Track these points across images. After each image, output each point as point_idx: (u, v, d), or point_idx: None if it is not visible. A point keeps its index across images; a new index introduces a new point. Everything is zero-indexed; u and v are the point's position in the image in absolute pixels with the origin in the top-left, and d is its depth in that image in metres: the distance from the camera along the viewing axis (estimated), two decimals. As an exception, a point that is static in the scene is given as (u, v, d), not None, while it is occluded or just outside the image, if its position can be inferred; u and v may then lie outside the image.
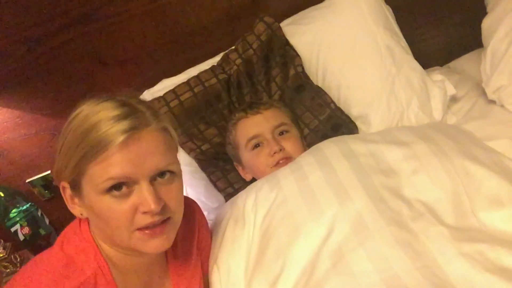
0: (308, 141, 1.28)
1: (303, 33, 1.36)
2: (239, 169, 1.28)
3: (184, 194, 1.41)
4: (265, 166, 1.17)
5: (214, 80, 1.32)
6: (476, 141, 1.10)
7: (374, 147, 1.04)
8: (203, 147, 1.30)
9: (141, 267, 0.87)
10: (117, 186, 0.74)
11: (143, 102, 0.81)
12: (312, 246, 0.88)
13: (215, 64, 1.38)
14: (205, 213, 1.36)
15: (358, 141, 1.07)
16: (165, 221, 0.78)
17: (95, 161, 0.73)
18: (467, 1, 1.52)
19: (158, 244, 0.78)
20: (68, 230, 0.85)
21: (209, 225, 1.11)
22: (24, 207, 1.51)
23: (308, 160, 1.04)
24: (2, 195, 1.47)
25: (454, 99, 1.37)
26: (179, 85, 1.32)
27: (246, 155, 1.21)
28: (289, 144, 1.19)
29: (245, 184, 1.28)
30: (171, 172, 0.79)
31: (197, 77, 1.33)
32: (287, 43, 1.34)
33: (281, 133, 1.20)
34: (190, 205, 1.01)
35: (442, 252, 0.82)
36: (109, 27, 1.42)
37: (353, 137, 1.13)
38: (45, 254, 0.82)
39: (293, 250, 0.90)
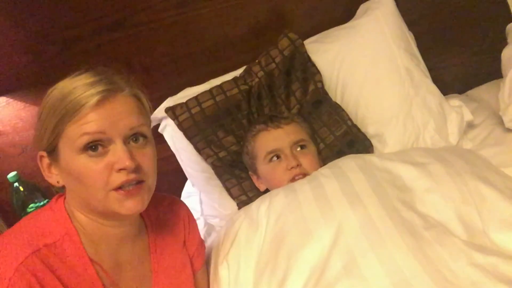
0: (323, 156, 1.30)
1: (325, 51, 1.40)
2: (254, 178, 1.30)
3: (199, 200, 1.46)
4: (281, 179, 1.20)
5: (235, 90, 1.36)
6: (491, 166, 1.11)
7: (390, 164, 1.06)
8: (220, 154, 1.33)
9: (114, 239, 0.89)
10: (92, 146, 0.79)
11: (117, 72, 0.87)
12: (323, 248, 0.90)
13: (238, 75, 1.41)
14: (217, 219, 1.39)
15: (375, 158, 1.10)
16: (139, 183, 0.82)
17: (71, 121, 0.78)
18: (488, 31, 1.54)
19: (132, 205, 0.82)
20: (44, 207, 0.89)
21: (223, 226, 1.13)
22: (41, 203, 1.54)
23: (324, 173, 1.07)
24: (22, 189, 1.50)
25: (471, 126, 1.38)
26: (201, 93, 1.36)
27: (263, 167, 1.24)
28: (306, 160, 1.21)
29: (258, 193, 1.30)
30: (144, 136, 0.84)
31: (219, 86, 1.37)
32: (309, 59, 1.37)
33: (300, 148, 1.23)
34: (175, 203, 1.06)
35: (454, 259, 0.83)
36: (138, 34, 1.48)
37: (369, 155, 1.16)
38: (15, 225, 0.85)
39: (304, 252, 0.91)
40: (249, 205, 1.14)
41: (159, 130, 1.51)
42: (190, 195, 1.53)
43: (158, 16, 1.46)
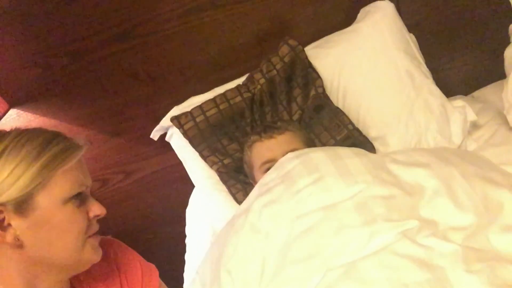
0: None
1: (326, 56, 1.41)
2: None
3: (205, 206, 1.47)
4: None
5: (239, 98, 1.38)
6: (494, 166, 1.10)
7: (394, 166, 1.04)
8: (225, 161, 1.35)
9: None
10: (76, 196, 0.81)
11: None
12: (329, 258, 0.89)
13: (241, 83, 1.44)
14: (223, 223, 1.40)
15: (376, 155, 1.09)
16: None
17: (62, 169, 0.78)
18: (491, 32, 1.54)
19: (101, 251, 0.88)
20: None
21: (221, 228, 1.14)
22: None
23: (318, 155, 1.06)
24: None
25: (475, 126, 1.38)
26: (206, 102, 1.39)
27: (260, 177, 1.25)
28: None
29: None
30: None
31: (223, 94, 1.40)
32: (309, 65, 1.39)
33: None
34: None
35: (453, 268, 0.82)
36: (144, 45, 1.51)
37: (377, 157, 1.12)
38: None
39: (312, 264, 0.90)
40: (249, 202, 1.09)
41: (166, 138, 1.54)
42: (197, 202, 1.55)
43: (162, 27, 1.49)
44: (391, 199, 0.95)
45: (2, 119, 1.50)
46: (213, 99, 1.39)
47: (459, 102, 1.38)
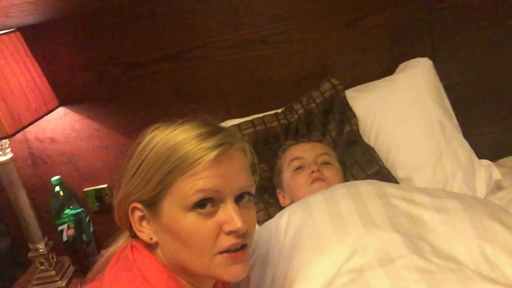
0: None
1: (363, 99, 1.50)
2: (280, 197, 1.35)
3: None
4: (302, 185, 1.24)
5: (275, 123, 1.46)
6: (509, 212, 1.12)
7: (407, 194, 1.08)
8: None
9: None
10: (202, 204, 0.73)
11: (219, 124, 0.82)
12: (334, 264, 0.91)
13: (279, 111, 1.52)
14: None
15: (392, 187, 1.12)
16: (243, 247, 0.76)
17: (184, 175, 0.72)
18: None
19: (239, 270, 0.75)
20: (125, 255, 0.79)
21: None
22: (76, 211, 1.62)
23: (341, 192, 1.10)
24: (62, 194, 1.59)
25: (499, 187, 1.41)
26: (244, 122, 1.47)
27: (287, 175, 1.30)
28: (329, 172, 1.26)
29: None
30: (250, 194, 0.79)
31: (261, 118, 1.48)
32: (347, 104, 1.47)
33: (324, 163, 1.28)
34: None
35: (464, 284, 0.83)
36: (193, 68, 1.62)
37: (389, 184, 1.18)
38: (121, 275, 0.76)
39: (314, 266, 0.93)
40: (268, 222, 1.16)
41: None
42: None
43: (213, 53, 1.61)
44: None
45: (49, 115, 1.60)
46: (251, 120, 1.47)
47: (485, 161, 1.43)
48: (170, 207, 0.74)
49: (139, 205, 0.77)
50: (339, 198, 1.07)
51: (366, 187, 1.11)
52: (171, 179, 0.73)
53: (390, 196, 1.07)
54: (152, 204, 0.75)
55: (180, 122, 0.78)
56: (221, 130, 0.77)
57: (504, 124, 1.67)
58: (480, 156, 1.62)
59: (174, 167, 0.72)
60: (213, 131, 0.76)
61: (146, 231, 0.78)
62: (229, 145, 0.75)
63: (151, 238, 0.78)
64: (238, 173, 0.76)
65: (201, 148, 0.72)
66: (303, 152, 1.30)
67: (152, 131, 0.79)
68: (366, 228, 0.96)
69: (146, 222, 0.78)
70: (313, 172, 1.24)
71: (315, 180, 1.23)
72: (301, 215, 1.06)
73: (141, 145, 0.77)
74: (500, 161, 1.65)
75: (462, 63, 1.62)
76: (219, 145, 0.73)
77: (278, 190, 1.38)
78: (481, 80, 1.63)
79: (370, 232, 0.95)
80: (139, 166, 0.76)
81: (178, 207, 0.73)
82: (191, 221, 0.73)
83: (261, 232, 1.16)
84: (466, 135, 1.59)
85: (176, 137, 0.74)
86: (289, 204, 1.29)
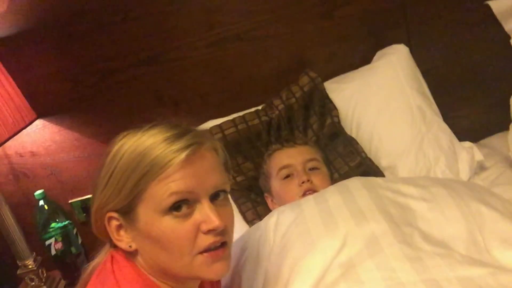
0: (337, 184, 1.35)
1: (342, 90, 1.50)
2: (268, 201, 1.35)
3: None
4: (293, 195, 1.24)
5: (257, 121, 1.45)
6: (493, 193, 1.14)
7: (393, 185, 1.10)
8: (238, 179, 1.40)
9: None
10: (177, 207, 0.73)
11: (187, 125, 0.81)
12: (325, 258, 0.92)
13: (260, 108, 1.51)
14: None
15: (379, 179, 1.14)
16: (223, 245, 0.76)
17: (156, 180, 0.72)
18: (500, 84, 1.61)
19: (220, 267, 0.76)
20: (106, 267, 0.80)
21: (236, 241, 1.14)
22: (63, 224, 1.60)
23: (330, 189, 1.12)
24: (46, 208, 1.57)
25: (482, 168, 1.42)
26: (225, 121, 1.47)
27: (276, 184, 1.29)
28: (318, 180, 1.26)
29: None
30: (225, 192, 0.79)
31: (242, 116, 1.47)
32: (327, 96, 1.47)
33: (312, 169, 1.28)
34: None
35: (453, 269, 0.84)
36: (170, 70, 1.61)
37: (375, 178, 1.19)
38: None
39: (307, 261, 0.93)
40: (258, 223, 1.16)
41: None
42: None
43: (189, 54, 1.59)
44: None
45: (28, 128, 1.57)
46: (232, 120, 1.46)
47: (466, 143, 1.44)
48: (145, 213, 0.74)
49: (114, 214, 0.76)
50: (328, 194, 1.09)
51: (353, 182, 1.12)
52: (144, 184, 0.72)
53: (377, 188, 1.08)
54: (128, 212, 0.75)
55: (147, 127, 0.77)
56: (190, 131, 0.77)
57: (483, 105, 1.67)
58: (461, 138, 1.63)
59: (145, 172, 0.72)
60: (181, 132, 0.75)
61: (124, 239, 0.77)
62: (198, 145, 0.74)
63: (130, 246, 0.77)
64: (211, 172, 0.76)
65: (171, 150, 0.72)
66: (291, 159, 1.29)
67: (121, 139, 0.78)
68: (355, 219, 0.97)
69: (124, 231, 0.77)
70: (303, 182, 1.24)
71: (306, 191, 1.23)
72: (290, 214, 1.07)
73: (111, 154, 0.77)
74: (482, 142, 1.66)
75: (438, 47, 1.62)
76: (188, 146, 0.73)
77: (266, 194, 1.37)
78: (458, 63, 1.63)
79: (359, 224, 0.95)
80: (110, 176, 0.75)
81: (153, 212, 0.73)
82: (168, 224, 0.73)
83: (250, 233, 1.15)
84: (447, 118, 1.60)
85: (144, 142, 0.73)
86: None
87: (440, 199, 1.03)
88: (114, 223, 0.77)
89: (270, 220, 1.09)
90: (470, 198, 1.03)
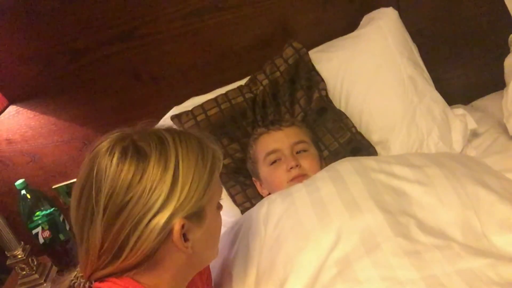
0: (328, 162, 1.30)
1: (329, 60, 1.42)
2: (257, 184, 1.31)
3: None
4: (281, 181, 1.20)
5: (240, 99, 1.38)
6: (490, 170, 1.11)
7: (387, 166, 1.06)
8: (225, 161, 1.34)
9: None
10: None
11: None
12: (320, 254, 0.89)
13: (243, 84, 1.44)
14: (223, 228, 1.39)
15: (372, 161, 1.09)
16: None
17: (218, 174, 0.79)
18: (492, 43, 1.55)
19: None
20: None
21: (225, 234, 1.12)
22: (48, 211, 1.56)
23: (321, 176, 1.07)
24: (29, 197, 1.52)
25: (475, 135, 1.39)
26: (207, 101, 1.39)
27: (264, 169, 1.24)
28: (307, 162, 1.21)
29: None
30: None
31: (225, 94, 1.39)
32: (313, 68, 1.40)
33: (300, 152, 1.23)
34: None
35: (451, 262, 0.82)
36: (146, 46, 1.51)
37: (367, 157, 1.15)
38: None
39: (301, 257, 0.91)
40: (248, 212, 1.13)
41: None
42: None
43: (165, 27, 1.49)
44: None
45: (1, 115, 1.49)
46: (215, 99, 1.38)
47: (459, 110, 1.39)
48: (210, 208, 0.78)
49: (184, 221, 0.72)
50: (319, 182, 1.04)
51: (345, 166, 1.07)
52: (211, 182, 0.76)
53: (370, 171, 1.04)
54: (198, 213, 0.75)
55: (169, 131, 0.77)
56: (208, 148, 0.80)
57: (475, 65, 1.61)
58: (454, 100, 1.59)
59: (212, 170, 0.76)
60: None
61: (189, 244, 0.75)
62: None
63: (191, 248, 0.76)
64: None
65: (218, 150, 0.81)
66: (277, 143, 1.23)
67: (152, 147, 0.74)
68: (349, 212, 0.93)
69: (190, 234, 0.75)
70: (291, 168, 1.18)
71: (294, 178, 1.18)
72: (281, 204, 1.03)
73: (161, 168, 0.72)
74: (474, 103, 1.61)
75: (428, 7, 1.53)
76: None
77: (254, 179, 1.32)
78: (449, 22, 1.56)
79: (354, 216, 0.92)
80: (173, 184, 0.71)
81: (214, 206, 0.80)
82: (219, 215, 0.82)
83: (239, 224, 1.12)
84: (438, 79, 1.55)
85: (192, 137, 0.77)
86: (268, 194, 1.26)
87: (436, 181, 0.99)
88: (180, 230, 0.72)
89: (260, 211, 1.06)
90: (466, 179, 1.00)
